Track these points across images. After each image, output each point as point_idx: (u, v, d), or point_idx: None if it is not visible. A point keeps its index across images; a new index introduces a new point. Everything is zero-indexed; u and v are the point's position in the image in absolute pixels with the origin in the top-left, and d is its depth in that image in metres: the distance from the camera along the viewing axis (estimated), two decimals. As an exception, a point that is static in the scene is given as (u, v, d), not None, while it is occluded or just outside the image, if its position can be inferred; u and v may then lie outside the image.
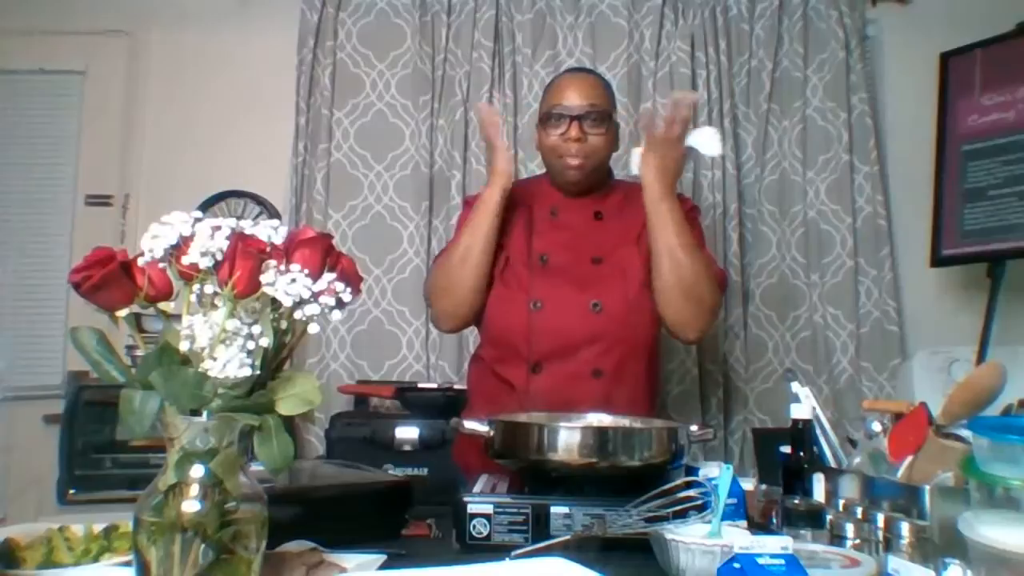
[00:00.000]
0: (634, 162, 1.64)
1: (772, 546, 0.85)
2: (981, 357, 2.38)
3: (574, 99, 1.66)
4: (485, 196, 1.65)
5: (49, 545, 1.01)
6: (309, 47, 2.70)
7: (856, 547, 1.09)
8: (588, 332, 1.62)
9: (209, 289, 0.81)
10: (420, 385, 2.53)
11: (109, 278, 0.81)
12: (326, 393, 2.42)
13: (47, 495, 2.37)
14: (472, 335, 2.11)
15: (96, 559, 1.01)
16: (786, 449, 1.25)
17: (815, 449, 1.31)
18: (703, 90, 2.68)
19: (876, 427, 1.30)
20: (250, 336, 0.80)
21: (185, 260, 0.79)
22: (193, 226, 0.81)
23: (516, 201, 1.72)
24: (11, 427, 2.62)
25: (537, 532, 1.15)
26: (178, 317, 0.83)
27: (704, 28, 2.72)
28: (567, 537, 1.12)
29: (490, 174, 1.68)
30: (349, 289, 0.84)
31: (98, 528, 1.07)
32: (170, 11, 2.83)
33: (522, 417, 1.39)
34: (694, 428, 1.32)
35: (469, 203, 1.79)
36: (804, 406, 1.29)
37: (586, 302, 1.61)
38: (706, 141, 1.64)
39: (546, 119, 1.68)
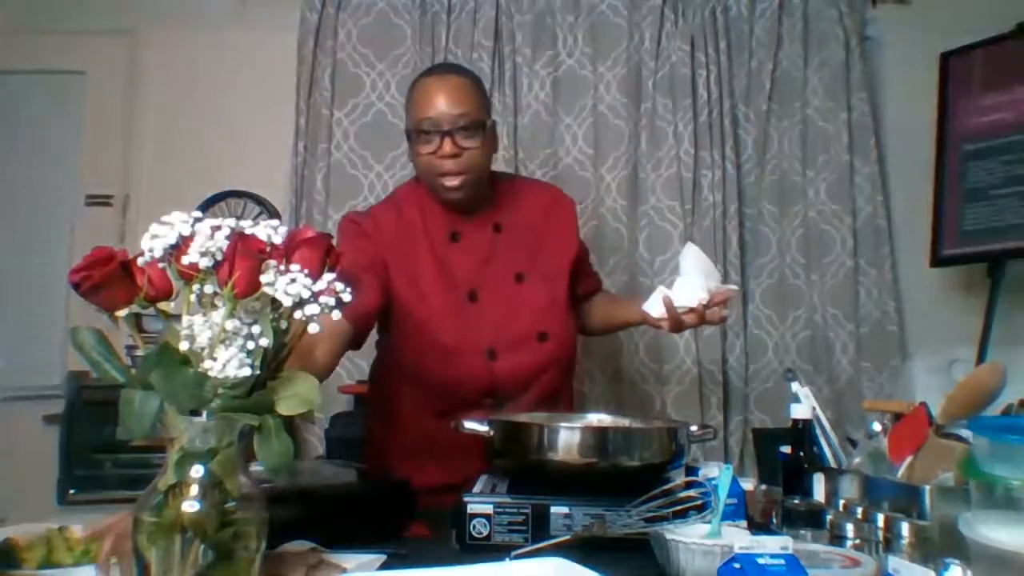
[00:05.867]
0: (653, 304, 1.45)
1: (772, 546, 0.85)
2: (981, 357, 2.38)
3: (443, 109, 1.49)
4: None
5: (49, 545, 1.01)
6: (309, 47, 2.69)
7: (856, 547, 1.09)
8: (542, 364, 1.58)
9: (209, 289, 0.81)
10: (420, 385, 2.52)
11: (109, 278, 0.81)
12: (326, 393, 2.41)
13: (47, 495, 2.37)
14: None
15: (96, 559, 1.00)
16: (786, 449, 1.25)
17: (815, 449, 1.31)
18: (703, 90, 2.68)
19: (876, 427, 1.31)
20: (250, 336, 0.80)
21: (185, 260, 0.79)
22: (193, 226, 0.81)
23: (401, 233, 1.56)
24: (11, 427, 2.62)
25: (537, 532, 1.15)
26: (178, 317, 0.83)
27: (704, 28, 2.72)
28: (567, 537, 1.12)
29: None
30: (349, 289, 0.84)
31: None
32: (170, 11, 2.82)
33: (522, 417, 1.39)
34: (694, 428, 1.32)
35: (354, 221, 1.59)
36: (804, 406, 1.29)
37: (532, 334, 1.56)
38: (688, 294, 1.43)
39: (415, 135, 1.52)
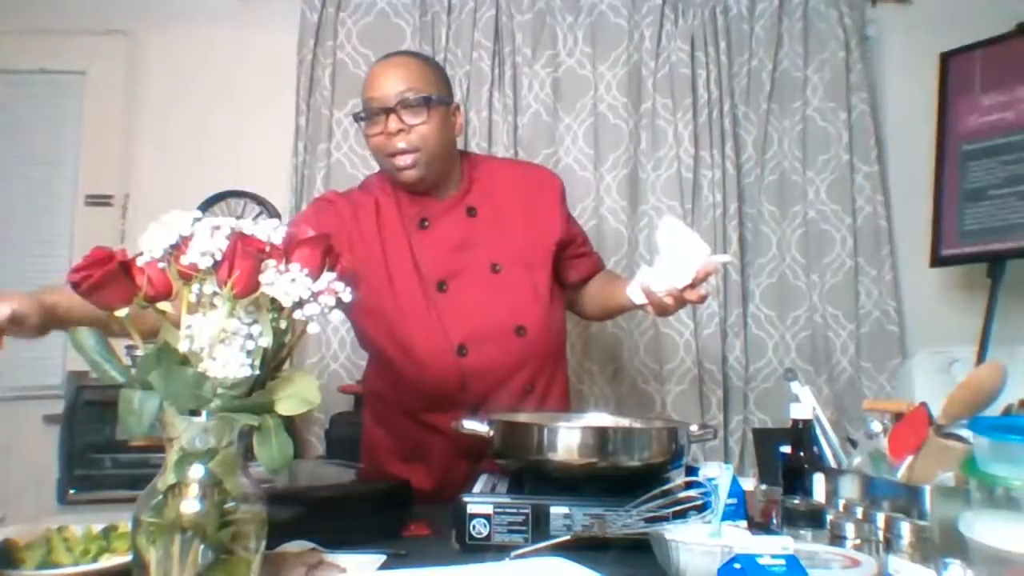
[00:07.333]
0: (634, 290, 1.41)
1: (772, 546, 0.85)
2: (981, 357, 2.37)
3: (385, 88, 1.46)
4: None
5: (48, 545, 1.01)
6: (309, 47, 2.69)
7: (856, 547, 1.09)
8: (518, 359, 1.52)
9: (208, 289, 0.81)
10: (420, 385, 2.52)
11: (109, 278, 0.81)
12: (326, 393, 2.42)
13: (47, 495, 2.37)
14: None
15: (95, 559, 1.00)
16: (786, 449, 1.25)
17: (815, 449, 1.30)
18: (703, 90, 2.68)
19: (876, 427, 1.30)
20: (250, 336, 0.80)
21: (184, 260, 0.79)
22: (193, 226, 0.81)
23: (379, 221, 1.52)
24: (11, 427, 2.61)
25: (537, 532, 1.14)
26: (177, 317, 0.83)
27: (704, 28, 2.72)
28: (567, 537, 1.12)
29: None
30: (349, 289, 0.84)
31: (97, 528, 1.07)
32: (170, 11, 2.82)
33: (522, 417, 1.39)
34: (694, 428, 1.32)
35: (331, 201, 1.57)
36: (804, 406, 1.29)
37: (508, 328, 1.50)
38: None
39: (364, 118, 1.49)
